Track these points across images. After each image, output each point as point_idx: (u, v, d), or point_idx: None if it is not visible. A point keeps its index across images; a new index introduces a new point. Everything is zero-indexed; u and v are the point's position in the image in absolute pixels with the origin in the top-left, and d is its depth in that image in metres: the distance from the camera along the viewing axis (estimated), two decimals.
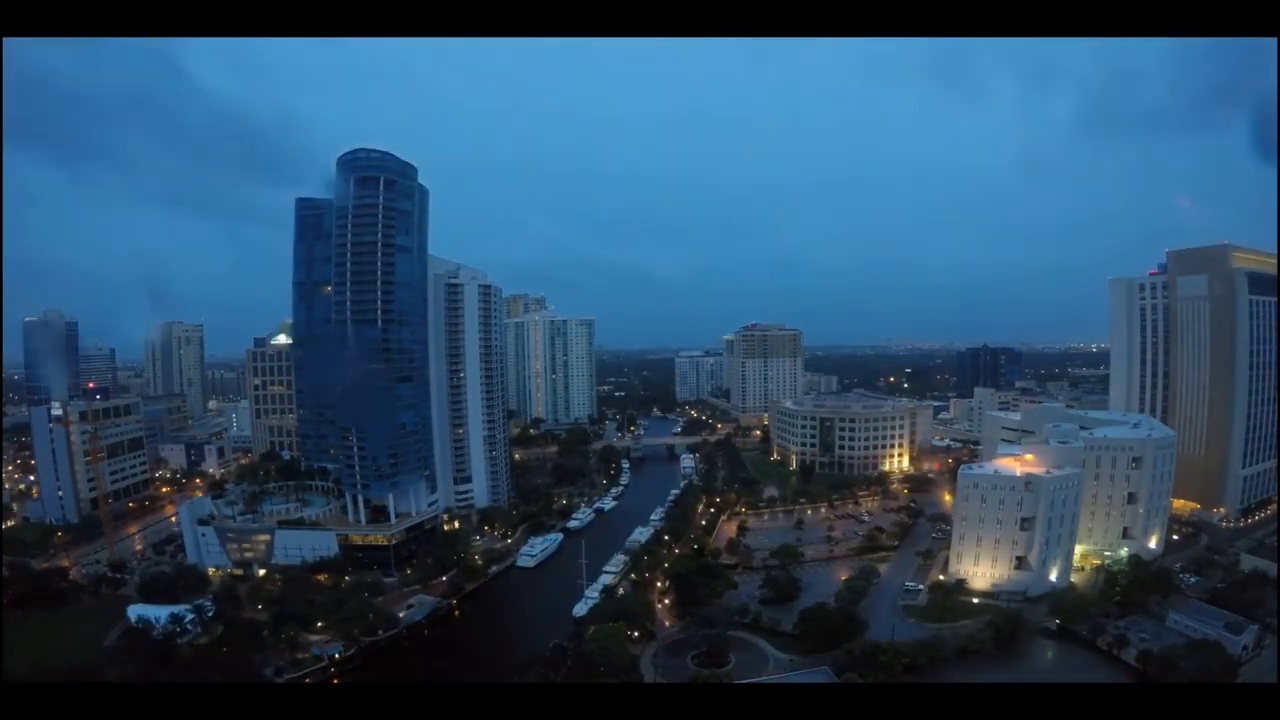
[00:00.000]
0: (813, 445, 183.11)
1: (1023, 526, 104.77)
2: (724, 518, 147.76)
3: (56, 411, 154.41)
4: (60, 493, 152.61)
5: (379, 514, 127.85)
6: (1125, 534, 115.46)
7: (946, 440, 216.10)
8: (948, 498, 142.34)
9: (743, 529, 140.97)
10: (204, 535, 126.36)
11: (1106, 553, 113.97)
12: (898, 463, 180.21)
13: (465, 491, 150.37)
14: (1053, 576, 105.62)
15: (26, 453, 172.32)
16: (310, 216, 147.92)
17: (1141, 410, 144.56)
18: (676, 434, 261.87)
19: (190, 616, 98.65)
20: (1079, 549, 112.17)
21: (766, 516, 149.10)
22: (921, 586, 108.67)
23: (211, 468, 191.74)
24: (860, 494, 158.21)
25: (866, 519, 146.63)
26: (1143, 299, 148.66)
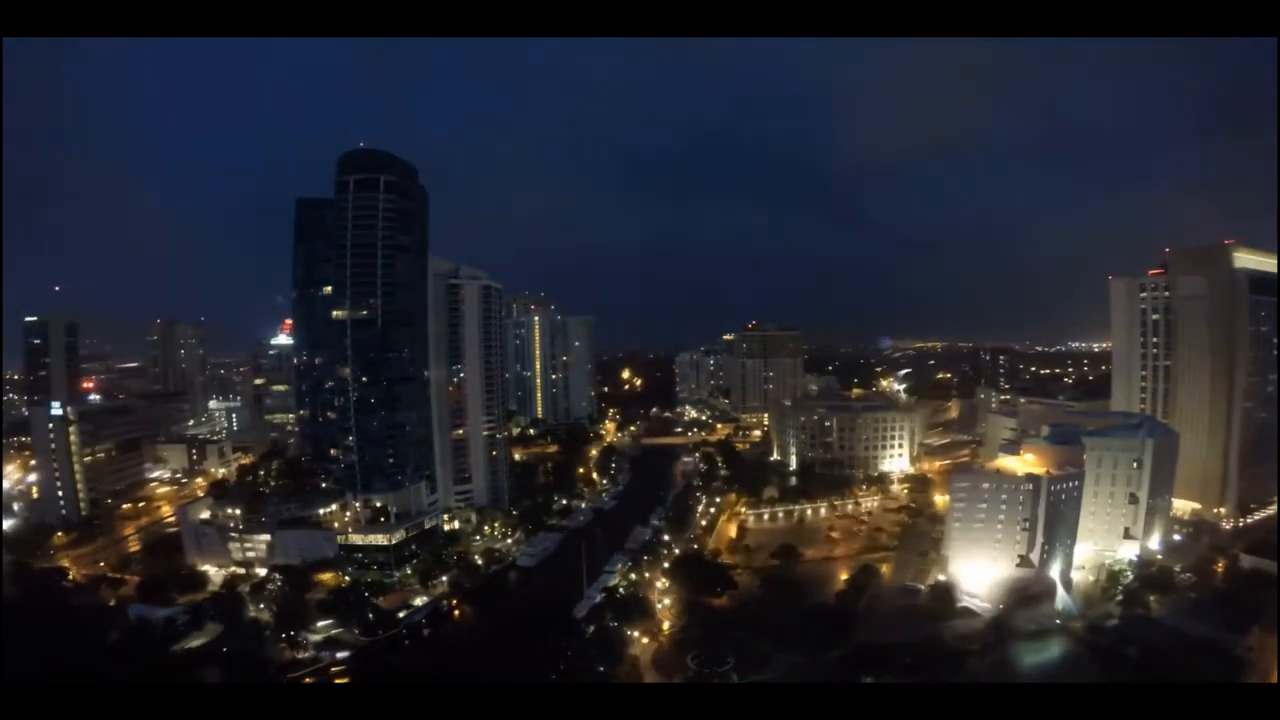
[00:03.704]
0: (813, 445, 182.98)
1: (1023, 527, 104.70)
2: (724, 518, 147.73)
3: (56, 411, 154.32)
4: (60, 493, 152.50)
5: (379, 514, 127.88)
6: (1126, 534, 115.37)
7: (947, 440, 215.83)
8: (948, 498, 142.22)
9: (743, 529, 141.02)
10: (204, 535, 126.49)
11: (1107, 553, 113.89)
12: (897, 463, 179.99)
13: (465, 491, 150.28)
14: (1054, 576, 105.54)
15: (27, 453, 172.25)
16: (310, 216, 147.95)
17: (1142, 410, 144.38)
18: (677, 433, 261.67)
19: (190, 617, 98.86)
20: (1079, 549, 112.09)
21: (766, 516, 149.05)
22: (921, 587, 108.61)
23: (213, 467, 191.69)
24: (860, 494, 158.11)
25: (866, 519, 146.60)
26: (1144, 298, 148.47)
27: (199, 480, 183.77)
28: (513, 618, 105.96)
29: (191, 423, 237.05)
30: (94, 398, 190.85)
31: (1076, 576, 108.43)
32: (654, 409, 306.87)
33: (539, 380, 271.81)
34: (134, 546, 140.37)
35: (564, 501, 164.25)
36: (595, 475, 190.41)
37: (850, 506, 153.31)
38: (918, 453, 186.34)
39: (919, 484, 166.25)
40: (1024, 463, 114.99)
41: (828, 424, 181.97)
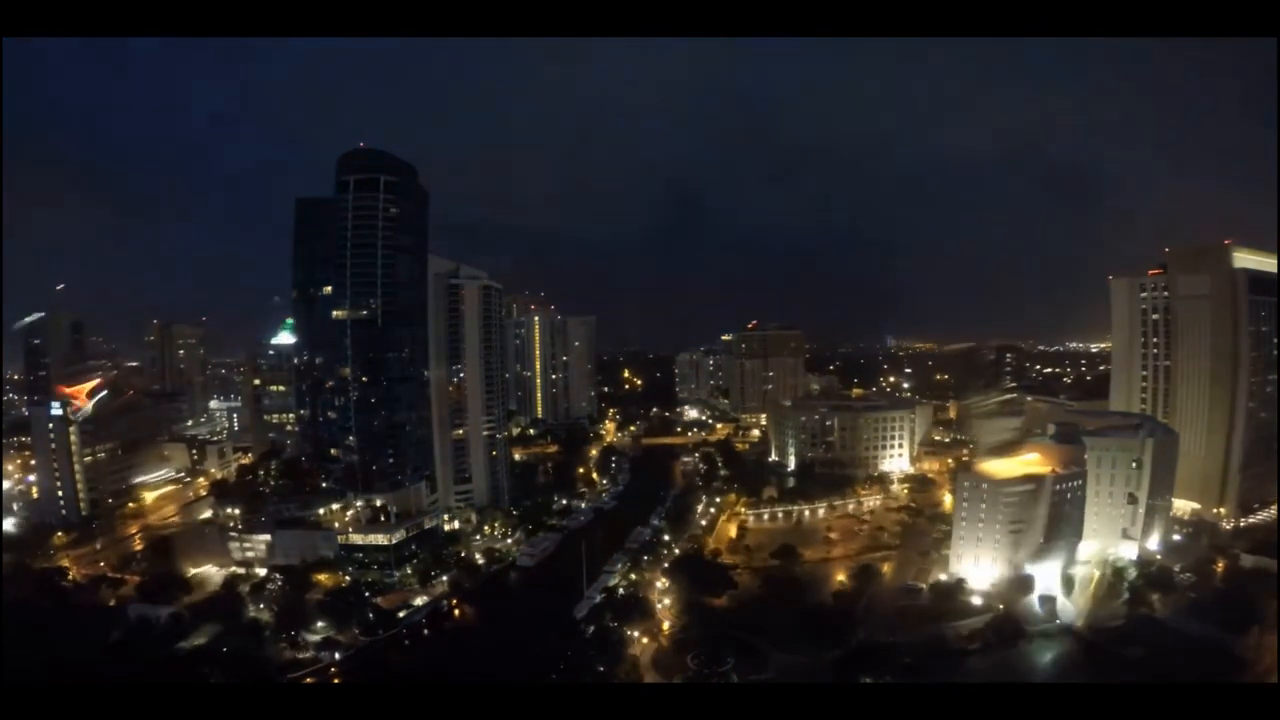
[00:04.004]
0: (813, 445, 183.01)
1: (1019, 528, 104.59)
2: (724, 518, 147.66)
3: (56, 411, 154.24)
4: (60, 493, 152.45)
5: (379, 514, 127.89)
6: (1126, 534, 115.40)
7: (948, 439, 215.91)
8: (948, 498, 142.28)
9: (743, 529, 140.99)
10: (204, 535, 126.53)
11: (1107, 552, 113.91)
12: (898, 462, 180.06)
13: (465, 491, 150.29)
14: (1055, 576, 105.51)
15: (26, 453, 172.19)
16: (310, 216, 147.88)
17: (1142, 410, 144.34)
18: (677, 433, 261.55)
19: (190, 617, 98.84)
20: (1080, 549, 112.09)
21: (766, 516, 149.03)
22: (922, 586, 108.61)
23: (213, 467, 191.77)
24: (860, 494, 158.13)
25: (866, 519, 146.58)
26: (1143, 298, 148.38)
27: (199, 480, 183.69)
28: (513, 618, 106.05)
29: (191, 423, 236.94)
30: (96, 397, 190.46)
31: (1076, 576, 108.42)
32: (654, 409, 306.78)
33: (539, 380, 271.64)
34: (134, 546, 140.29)
35: (564, 501, 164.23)
36: (595, 475, 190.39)
37: (850, 506, 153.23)
38: (918, 452, 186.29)
39: (919, 483, 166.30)
40: (1026, 462, 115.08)
41: (828, 424, 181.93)
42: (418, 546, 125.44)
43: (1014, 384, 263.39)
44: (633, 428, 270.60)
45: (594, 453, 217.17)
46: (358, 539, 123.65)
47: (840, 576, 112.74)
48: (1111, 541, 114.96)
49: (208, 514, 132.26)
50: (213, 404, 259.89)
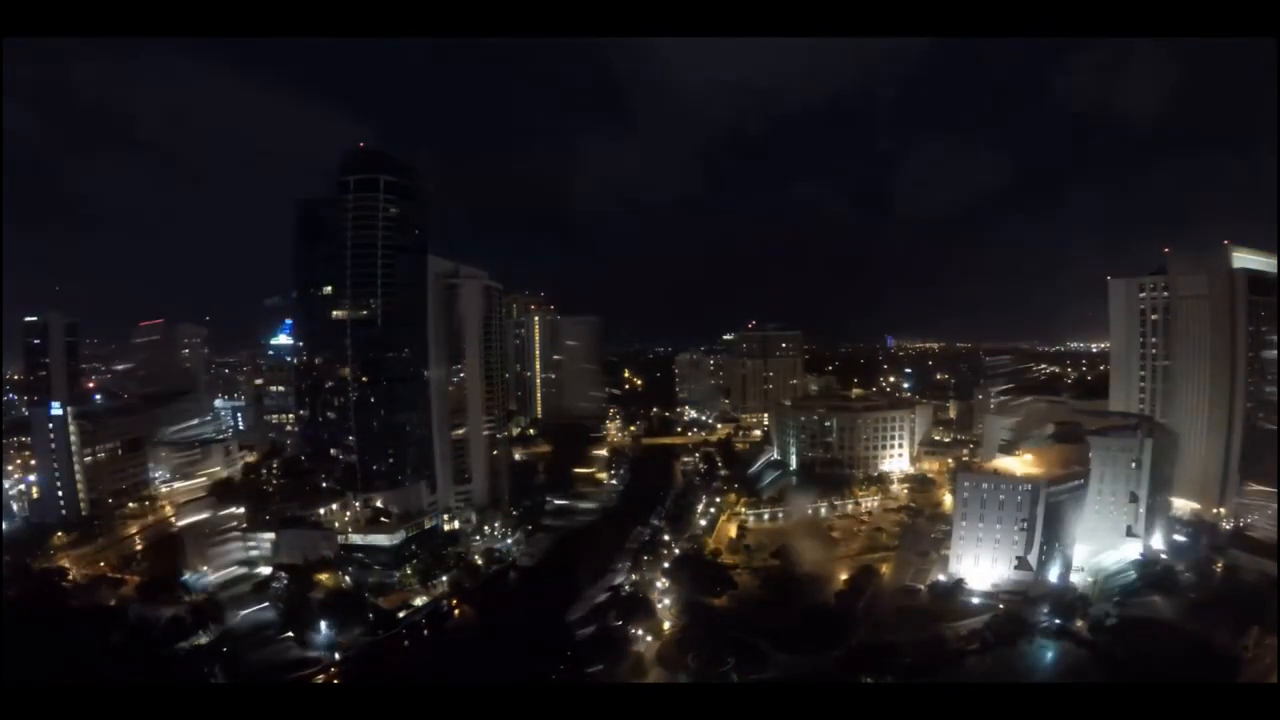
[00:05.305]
0: (813, 445, 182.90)
1: (1021, 527, 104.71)
2: (724, 517, 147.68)
3: (56, 411, 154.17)
4: (60, 493, 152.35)
5: (379, 514, 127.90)
6: (1126, 533, 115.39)
7: (948, 439, 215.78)
8: (948, 498, 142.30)
9: (743, 529, 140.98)
10: (205, 535, 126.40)
11: (1109, 551, 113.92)
12: (898, 463, 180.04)
13: (465, 491, 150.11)
14: (1052, 577, 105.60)
15: (27, 453, 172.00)
16: (310, 216, 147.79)
17: (1141, 410, 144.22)
18: (676, 433, 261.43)
19: (191, 617, 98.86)
20: (1080, 549, 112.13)
21: (766, 516, 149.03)
22: (921, 587, 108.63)
23: (214, 467, 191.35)
24: (860, 494, 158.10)
25: (866, 519, 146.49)
26: (1143, 298, 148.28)
27: (199, 480, 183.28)
28: (512, 617, 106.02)
29: (191, 423, 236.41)
30: (95, 398, 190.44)
31: (1076, 577, 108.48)
32: (654, 409, 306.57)
33: (539, 380, 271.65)
34: (135, 546, 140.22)
35: (564, 501, 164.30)
36: (595, 475, 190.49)
37: (850, 506, 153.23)
38: (918, 452, 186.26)
39: (919, 484, 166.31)
40: (1024, 463, 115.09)
41: (828, 424, 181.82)
42: (418, 546, 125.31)
43: (1015, 385, 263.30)
44: (633, 428, 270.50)
45: (594, 453, 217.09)
46: (358, 539, 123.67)
47: (840, 577, 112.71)
48: (1115, 540, 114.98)
49: (208, 514, 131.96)
50: (215, 403, 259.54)
